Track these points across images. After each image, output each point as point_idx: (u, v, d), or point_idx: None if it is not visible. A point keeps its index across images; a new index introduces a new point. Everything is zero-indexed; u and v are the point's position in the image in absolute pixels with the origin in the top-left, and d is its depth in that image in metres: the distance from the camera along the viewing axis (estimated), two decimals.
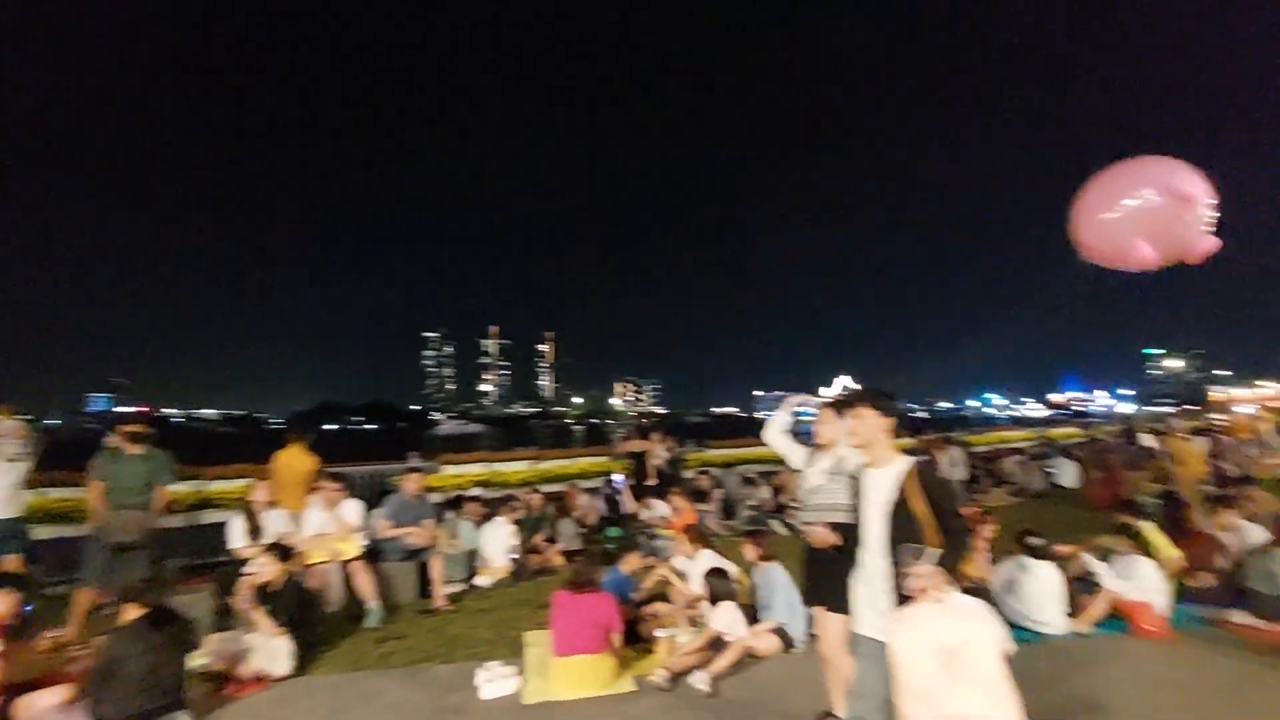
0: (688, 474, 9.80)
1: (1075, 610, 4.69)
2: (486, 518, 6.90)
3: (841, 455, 3.05)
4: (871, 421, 2.68)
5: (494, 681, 3.94)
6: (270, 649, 4.16)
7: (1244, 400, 35.45)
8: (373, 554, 5.63)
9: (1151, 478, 9.48)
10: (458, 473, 9.24)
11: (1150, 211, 2.13)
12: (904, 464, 2.62)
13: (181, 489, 7.18)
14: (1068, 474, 12.14)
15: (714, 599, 4.36)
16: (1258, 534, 5.45)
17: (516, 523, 6.88)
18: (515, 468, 9.79)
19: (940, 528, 2.47)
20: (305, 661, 4.28)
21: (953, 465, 11.24)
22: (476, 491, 8.29)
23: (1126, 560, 4.98)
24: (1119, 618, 4.64)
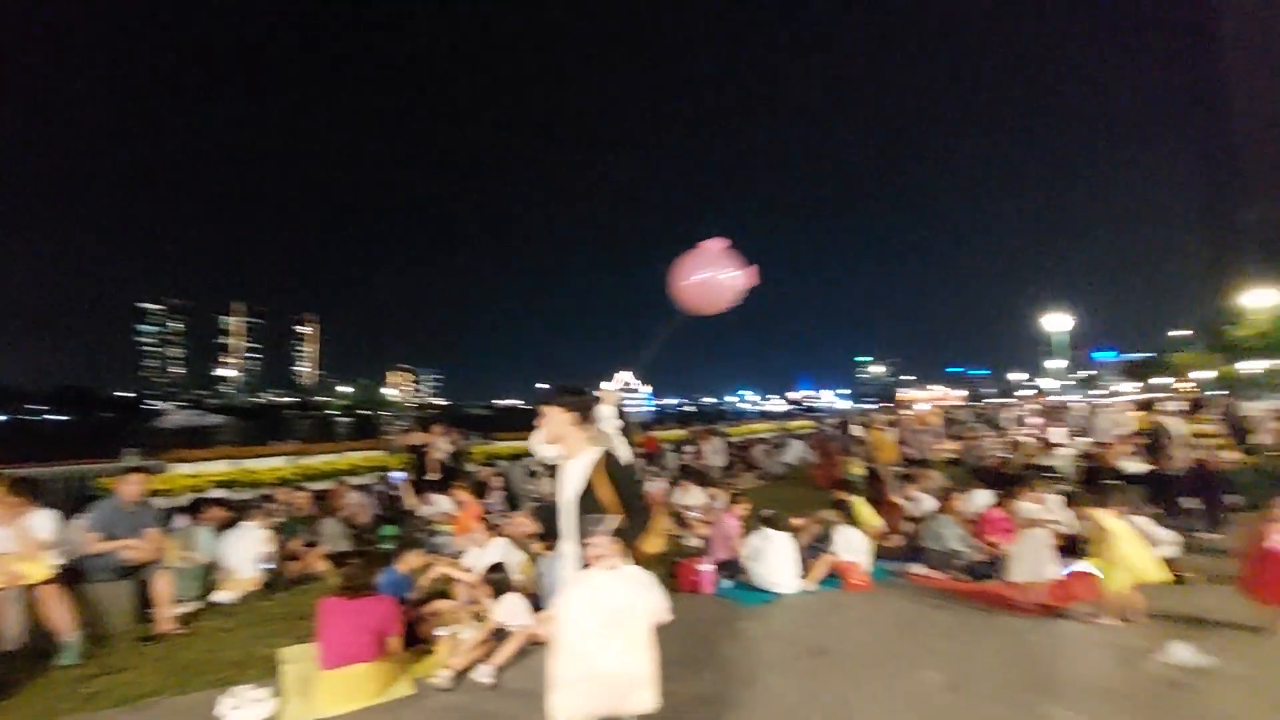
0: (471, 467, 9.56)
1: (805, 572, 5.61)
2: (232, 523, 5.98)
3: (540, 451, 3.13)
4: (557, 418, 2.84)
5: (241, 708, 3.45)
6: None
7: (921, 399, 45.46)
8: (72, 574, 4.52)
9: (859, 460, 11.68)
10: (193, 472, 7.85)
11: (706, 281, 3.45)
12: (593, 454, 2.80)
13: None
14: (794, 455, 14.49)
15: (497, 591, 4.34)
16: (930, 503, 7.06)
17: (274, 527, 6.08)
18: (271, 465, 8.61)
19: (624, 509, 2.71)
20: None
21: (714, 453, 12.58)
22: (218, 493, 7.12)
23: (841, 529, 6.09)
24: (835, 576, 5.67)
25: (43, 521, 4.45)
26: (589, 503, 2.74)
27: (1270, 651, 3.93)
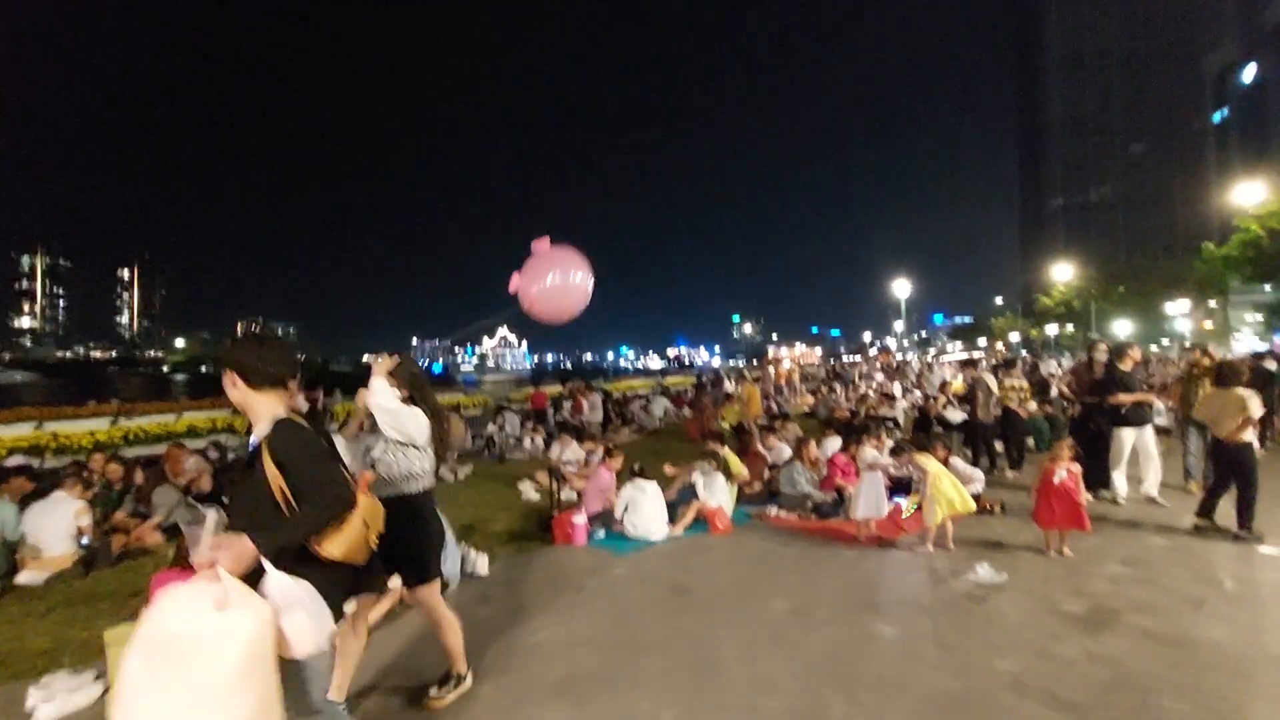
0: (333, 427, 8.97)
1: (675, 519, 5.92)
2: (38, 494, 5.21)
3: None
4: (232, 384, 2.06)
5: (55, 699, 3.09)
6: None
7: (785, 358, 48.76)
8: None
9: (729, 413, 12.39)
10: None
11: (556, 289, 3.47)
12: (267, 426, 2.00)
13: None
14: (659, 410, 15.07)
15: None
16: (786, 452, 7.66)
17: (91, 498, 5.38)
18: (87, 427, 7.54)
19: (297, 498, 1.91)
20: None
21: (592, 409, 12.75)
22: (17, 461, 6.15)
23: (711, 477, 6.46)
24: (702, 521, 6.04)
25: None
26: (239, 492, 2.10)
27: (1049, 568, 4.75)
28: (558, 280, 3.52)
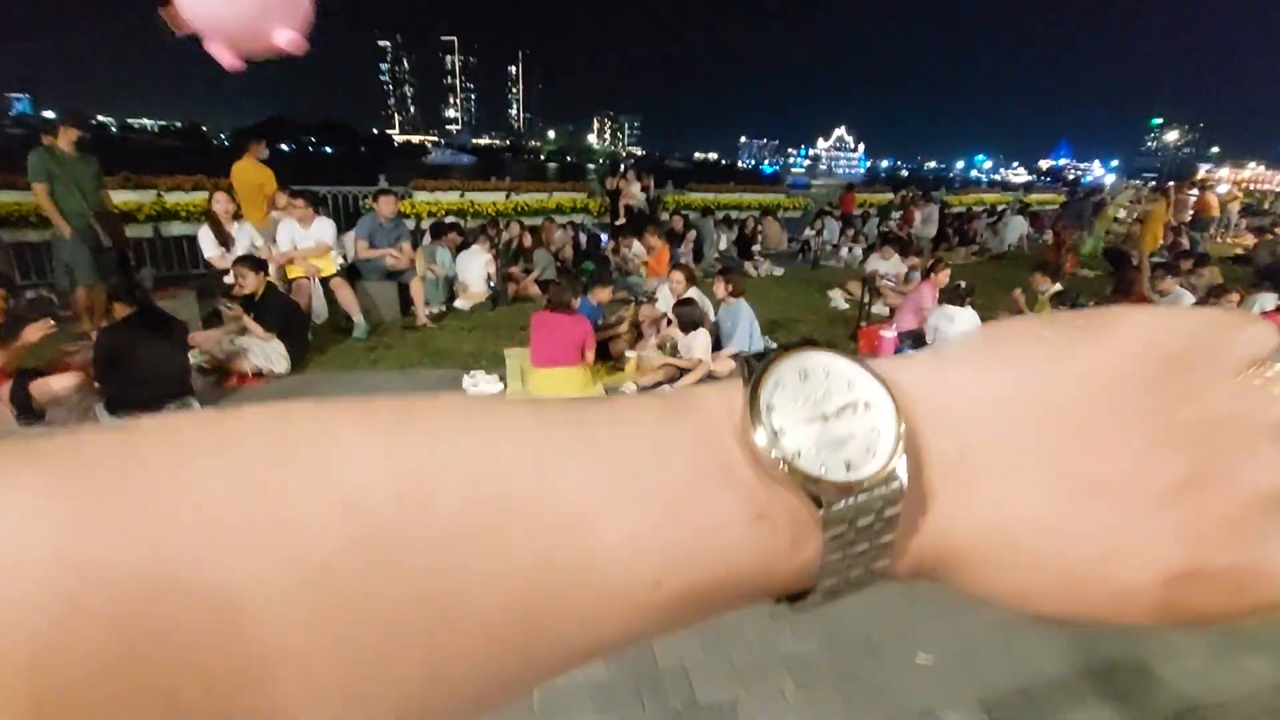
0: (664, 216, 9.75)
1: None
2: (464, 246, 6.93)
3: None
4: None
5: (479, 385, 4.38)
6: (265, 350, 4.44)
7: (1223, 180, 35.35)
8: (351, 273, 5.72)
9: (1111, 242, 9.81)
10: (431, 199, 9.00)
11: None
12: None
13: (139, 198, 6.91)
14: (1016, 231, 12.32)
15: (685, 326, 4.67)
16: (1187, 301, 5.87)
17: (494, 252, 6.95)
18: (491, 198, 9.55)
19: None
20: (299, 365, 4.63)
21: (925, 221, 11.36)
22: (451, 219, 8.19)
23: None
24: None
25: (325, 228, 5.55)
26: None
27: None
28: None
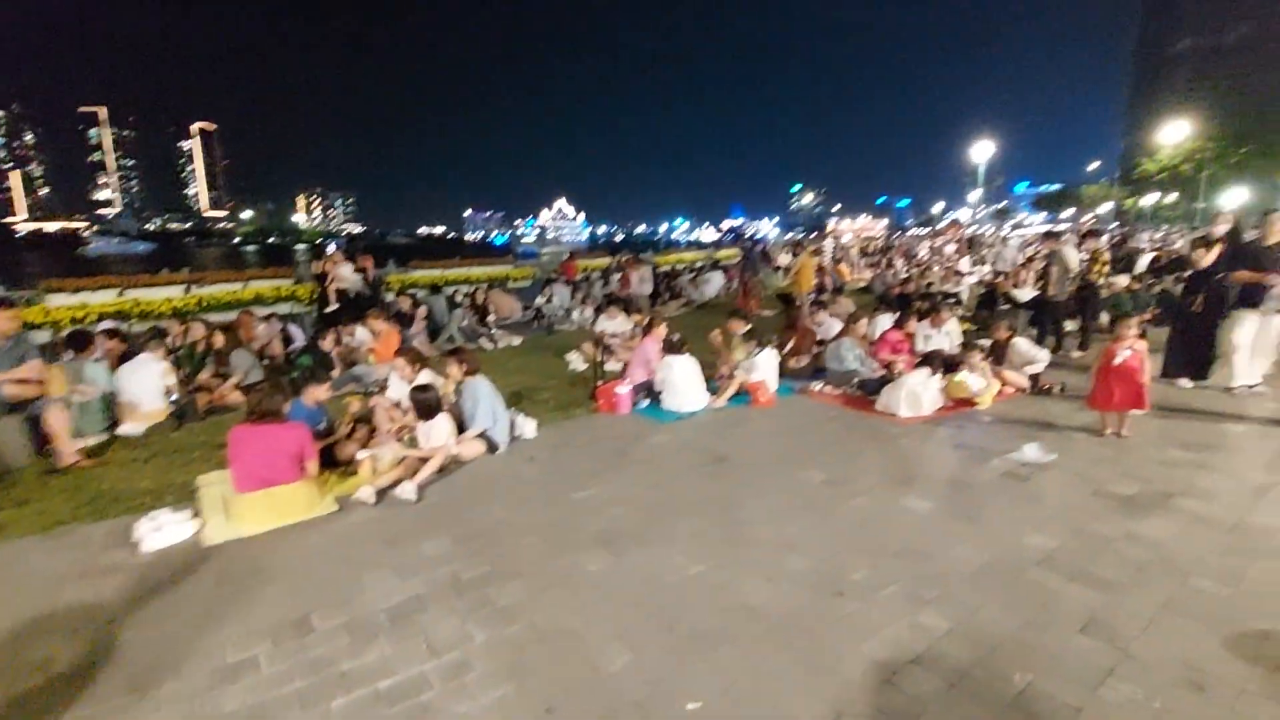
0: (390, 297, 9.26)
1: (718, 392, 5.98)
2: (127, 355, 5.67)
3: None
4: None
5: (161, 530, 3.52)
6: None
7: (846, 230, 46.47)
8: None
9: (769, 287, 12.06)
10: (75, 303, 7.24)
11: None
12: None
13: None
14: (716, 286, 14.70)
15: (424, 413, 4.40)
16: (835, 327, 7.46)
17: (173, 360, 5.82)
18: (164, 294, 8.03)
19: None
20: None
21: (641, 282, 12.65)
22: (108, 325, 6.65)
23: (751, 353, 6.41)
24: (745, 394, 6.07)
25: None
26: None
27: (1102, 449, 4.61)
28: None
